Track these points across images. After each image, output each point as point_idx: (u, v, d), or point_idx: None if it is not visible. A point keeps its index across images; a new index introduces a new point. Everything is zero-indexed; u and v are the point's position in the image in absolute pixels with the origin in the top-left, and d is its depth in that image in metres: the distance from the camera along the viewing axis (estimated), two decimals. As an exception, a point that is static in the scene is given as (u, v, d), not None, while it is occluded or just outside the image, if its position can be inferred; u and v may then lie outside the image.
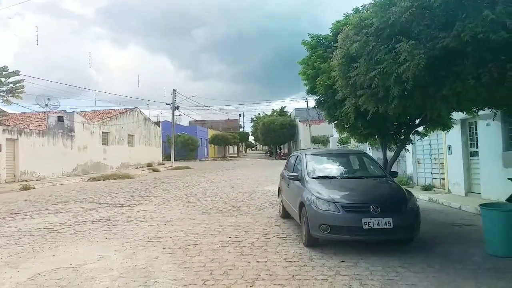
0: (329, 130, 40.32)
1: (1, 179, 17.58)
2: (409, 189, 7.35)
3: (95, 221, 8.71)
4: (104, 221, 8.75)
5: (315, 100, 10.38)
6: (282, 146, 61.23)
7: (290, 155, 8.85)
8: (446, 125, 9.19)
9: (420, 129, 9.87)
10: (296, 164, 7.71)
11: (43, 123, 24.85)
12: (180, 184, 17.52)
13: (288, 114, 61.74)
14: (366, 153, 7.76)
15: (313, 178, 6.53)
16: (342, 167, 7.28)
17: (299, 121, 49.78)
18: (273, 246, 6.21)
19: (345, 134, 10.85)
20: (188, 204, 11.17)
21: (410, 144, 10.02)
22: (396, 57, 4.75)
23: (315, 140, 42.32)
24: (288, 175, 7.04)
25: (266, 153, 74.13)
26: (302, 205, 6.21)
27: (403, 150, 10.07)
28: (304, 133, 46.06)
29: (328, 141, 37.60)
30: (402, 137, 9.75)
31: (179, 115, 57.66)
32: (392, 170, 8.61)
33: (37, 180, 19.45)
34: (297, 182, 6.81)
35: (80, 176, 22.20)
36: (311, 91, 9.80)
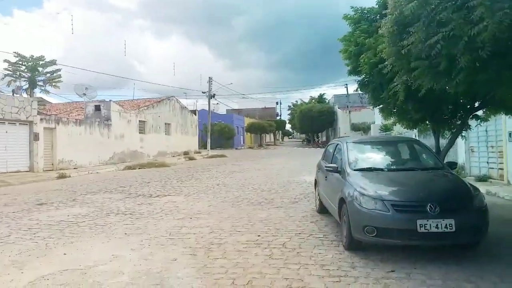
0: (370, 117, 38.49)
1: (38, 167, 17.80)
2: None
3: (118, 213, 8.23)
4: (128, 213, 8.25)
5: (357, 82, 9.29)
6: (319, 134, 59.70)
7: (329, 143, 7.88)
8: (510, 108, 7.87)
9: (480, 112, 8.59)
10: (335, 153, 6.75)
11: (82, 112, 25.14)
12: (213, 173, 16.97)
13: (327, 101, 59.99)
14: (418, 141, 6.66)
15: (355, 170, 5.57)
16: (390, 157, 6.24)
17: (338, 108, 48.05)
18: (308, 248, 5.35)
19: (391, 120, 9.69)
20: (218, 195, 10.51)
21: (468, 130, 8.73)
22: (468, 15, 3.67)
23: (355, 128, 40.61)
24: (326, 167, 6.11)
25: (303, 141, 72.79)
26: (342, 201, 5.29)
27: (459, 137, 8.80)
28: (343, 120, 44.39)
29: (369, 128, 35.86)
30: (459, 122, 8.52)
31: (217, 103, 57.57)
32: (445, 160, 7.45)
33: (74, 168, 19.60)
34: (336, 175, 5.88)
35: (116, 164, 22.26)
36: (354, 71, 8.72)
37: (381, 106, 9.02)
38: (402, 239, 4.55)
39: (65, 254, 5.46)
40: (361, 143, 6.67)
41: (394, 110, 8.72)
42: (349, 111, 41.38)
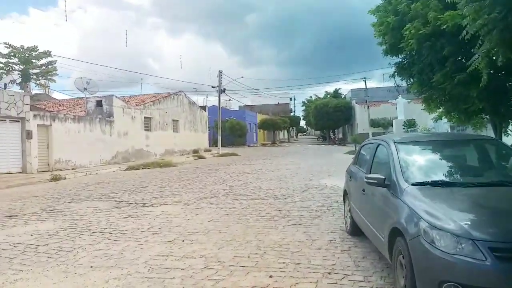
0: (390, 112, 36.23)
1: (32, 168, 16.36)
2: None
3: (95, 232, 6.56)
4: (107, 231, 6.57)
5: (394, 65, 7.44)
6: (336, 131, 57.47)
7: (363, 143, 6.02)
8: None
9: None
10: (375, 158, 4.90)
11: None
12: (221, 174, 15.24)
13: (343, 96, 57.67)
14: (498, 140, 4.74)
15: (414, 184, 3.72)
16: (463, 165, 4.35)
17: (356, 103, 45.76)
18: (345, 304, 3.55)
19: (436, 113, 7.79)
20: (223, 204, 8.76)
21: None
22: None
23: (374, 124, 38.37)
24: (366, 178, 4.25)
25: (318, 138, 70.71)
26: (396, 233, 3.48)
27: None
28: (361, 116, 42.13)
29: (390, 124, 33.65)
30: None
31: (229, 100, 55.89)
32: None
33: (72, 169, 18.16)
34: (382, 190, 4.05)
35: (119, 164, 20.76)
36: (392, 49, 6.87)
37: (427, 94, 7.15)
38: (512, 310, 2.70)
39: (-8, 304, 3.80)
40: (416, 143, 4.73)
41: (445, 99, 6.84)
42: (368, 106, 39.09)
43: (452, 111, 6.97)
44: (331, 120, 47.55)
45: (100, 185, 12.87)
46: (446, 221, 3.03)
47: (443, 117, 7.72)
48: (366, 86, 40.62)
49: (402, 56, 6.93)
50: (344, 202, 6.30)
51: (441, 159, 4.37)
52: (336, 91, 60.68)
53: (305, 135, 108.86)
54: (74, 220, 7.56)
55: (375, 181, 4.07)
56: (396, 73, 7.37)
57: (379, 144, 4.94)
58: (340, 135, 57.90)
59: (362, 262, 4.63)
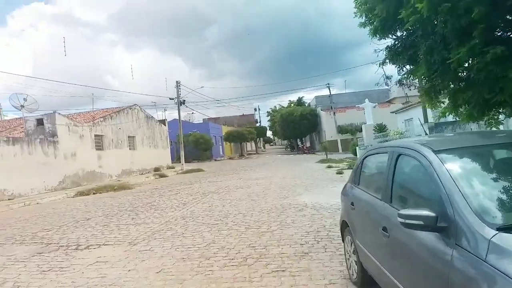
0: (358, 117, 35.47)
1: (-46, 203, 13.66)
2: None
3: (-14, 305, 4.47)
4: (5, 302, 4.50)
5: (386, 49, 5.85)
6: (303, 139, 56.49)
7: (366, 154, 4.25)
8: None
9: None
10: (397, 178, 3.16)
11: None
12: (183, 196, 13.23)
13: (307, 104, 56.91)
14: None
15: (502, 229, 2.01)
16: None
17: (321, 110, 44.87)
18: None
19: (440, 107, 6.23)
20: (180, 241, 6.83)
21: None
22: None
23: (342, 130, 37.47)
24: (402, 217, 2.43)
25: (286, 148, 69.66)
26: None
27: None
28: (328, 122, 41.15)
29: (359, 130, 32.70)
30: None
31: (192, 113, 53.73)
32: None
33: (9, 199, 15.55)
34: (430, 236, 2.33)
35: (68, 189, 18.23)
36: (383, 27, 5.26)
37: (428, 84, 5.59)
38: None
39: None
40: (466, 150, 2.87)
41: (462, 85, 5.24)
42: (334, 113, 38.20)
43: (467, 103, 5.38)
44: (298, 129, 46.33)
45: (33, 220, 10.55)
46: None
47: (448, 113, 6.21)
48: (330, 92, 39.82)
49: (397, 36, 5.37)
50: (343, 238, 4.53)
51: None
52: (299, 99, 59.99)
53: (272, 145, 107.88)
54: (-32, 282, 5.41)
55: (420, 222, 2.33)
56: (387, 60, 5.79)
57: (399, 154, 3.23)
58: (308, 144, 56.95)
59: None
